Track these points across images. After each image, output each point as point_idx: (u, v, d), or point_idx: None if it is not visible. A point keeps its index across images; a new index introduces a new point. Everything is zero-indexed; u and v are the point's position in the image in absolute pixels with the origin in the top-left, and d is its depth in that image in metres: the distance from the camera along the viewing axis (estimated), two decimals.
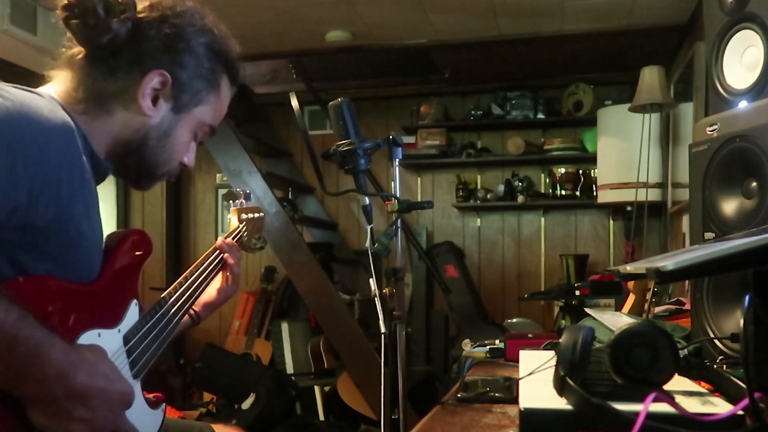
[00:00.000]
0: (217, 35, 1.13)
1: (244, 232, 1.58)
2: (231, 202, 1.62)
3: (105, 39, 1.02)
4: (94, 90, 1.05)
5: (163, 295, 1.22)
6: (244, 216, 1.61)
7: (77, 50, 1.06)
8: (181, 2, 1.11)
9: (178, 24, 1.08)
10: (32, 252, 0.92)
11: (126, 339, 1.07)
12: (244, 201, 1.64)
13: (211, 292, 1.45)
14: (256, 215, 1.66)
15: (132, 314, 1.10)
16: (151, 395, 1.15)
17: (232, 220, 1.60)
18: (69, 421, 0.90)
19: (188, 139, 1.15)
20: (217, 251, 1.42)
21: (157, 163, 1.13)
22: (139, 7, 1.06)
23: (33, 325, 0.87)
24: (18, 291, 0.89)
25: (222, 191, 5.48)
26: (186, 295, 1.27)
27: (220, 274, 1.45)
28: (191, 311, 1.41)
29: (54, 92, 1.05)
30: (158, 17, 1.06)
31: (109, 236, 1.11)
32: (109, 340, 1.02)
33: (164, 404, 1.18)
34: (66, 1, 1.02)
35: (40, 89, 1.04)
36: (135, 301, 1.11)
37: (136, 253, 1.12)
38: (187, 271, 1.34)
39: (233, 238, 1.52)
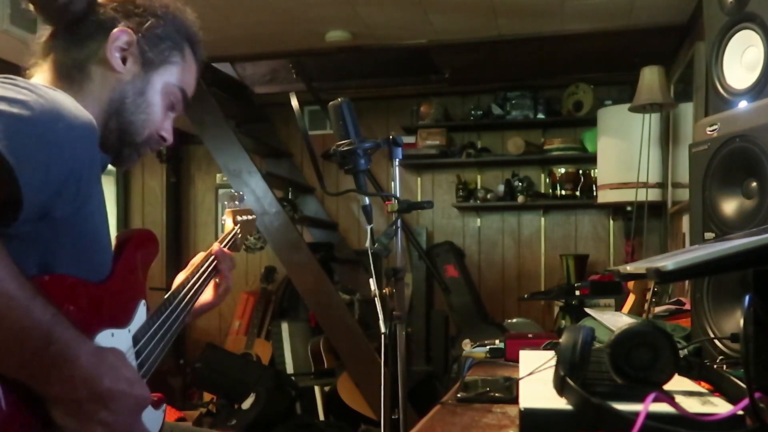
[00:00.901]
0: (173, 5, 1.19)
1: (239, 234, 1.60)
2: (226, 203, 1.65)
3: (61, 2, 1.06)
4: (70, 61, 1.10)
5: (167, 296, 1.23)
6: (239, 218, 1.63)
7: (47, 32, 1.11)
8: None
9: None
10: (50, 248, 0.93)
11: (135, 339, 1.07)
12: (238, 203, 1.67)
13: (205, 299, 1.44)
14: (249, 217, 1.69)
15: (141, 314, 1.11)
16: (152, 395, 1.15)
17: (227, 222, 1.62)
18: (91, 422, 0.90)
19: (161, 102, 1.17)
20: (214, 257, 1.43)
21: (137, 124, 1.14)
22: None
23: (65, 326, 0.88)
24: (42, 289, 0.89)
25: (222, 191, 5.48)
26: (189, 296, 1.27)
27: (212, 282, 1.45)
28: None
29: (43, 81, 1.08)
30: None
31: (117, 236, 1.13)
32: (120, 340, 1.03)
33: (164, 405, 1.18)
34: None
35: None
36: (143, 301, 1.12)
37: (145, 252, 1.14)
38: (189, 272, 1.34)
39: (230, 239, 1.54)
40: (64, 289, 0.94)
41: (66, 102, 0.95)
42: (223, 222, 1.65)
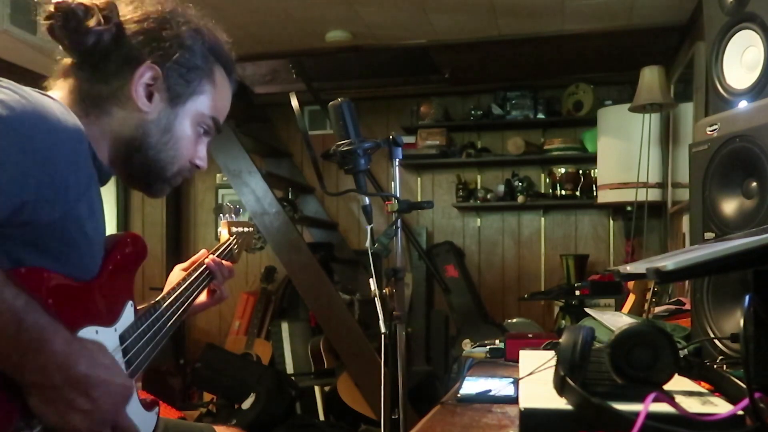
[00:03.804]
0: (202, 27, 1.15)
1: (234, 245, 1.61)
2: (221, 215, 1.66)
3: (89, 43, 1.04)
4: (90, 94, 1.07)
5: (157, 299, 1.24)
6: (234, 229, 1.65)
7: (68, 59, 1.08)
8: (162, 1, 1.12)
9: (161, 19, 1.10)
10: (33, 248, 0.93)
11: (122, 338, 1.08)
12: (233, 215, 1.68)
13: (197, 300, 1.45)
14: (247, 229, 1.71)
15: (128, 315, 1.11)
16: (146, 397, 1.16)
17: (223, 233, 1.63)
18: (68, 410, 0.90)
19: (191, 134, 1.14)
20: (205, 267, 1.43)
21: (164, 161, 1.12)
22: (122, 10, 1.08)
23: (39, 312, 0.87)
24: (20, 281, 0.89)
25: (222, 191, 5.48)
26: (180, 301, 1.29)
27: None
28: None
29: (56, 98, 1.06)
30: (141, 16, 1.09)
31: (105, 239, 1.12)
32: (105, 337, 1.03)
33: (158, 407, 1.19)
34: (48, 11, 1.03)
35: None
36: (131, 302, 1.12)
37: (132, 255, 1.13)
38: (180, 278, 1.36)
39: (224, 250, 1.55)
40: (43, 283, 0.93)
41: (52, 106, 0.93)
42: (219, 233, 1.67)
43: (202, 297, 1.47)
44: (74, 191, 0.94)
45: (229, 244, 1.59)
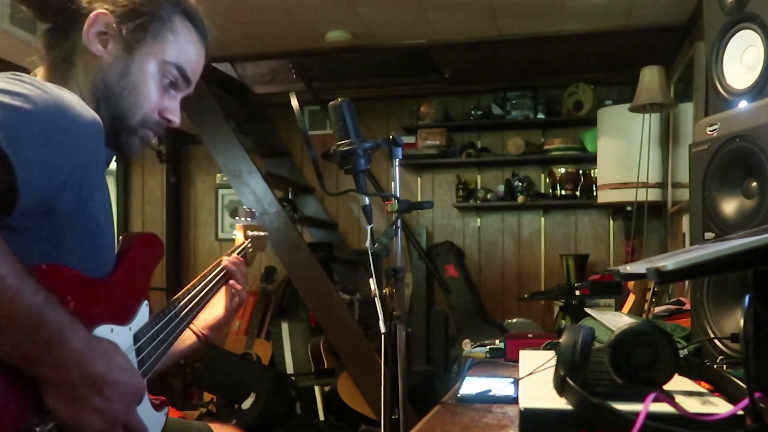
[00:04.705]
0: None
1: (249, 248, 1.61)
2: (237, 218, 1.66)
3: None
4: (59, 55, 1.10)
5: (172, 300, 1.24)
6: (249, 233, 1.65)
7: (42, 29, 1.12)
8: None
9: None
10: (50, 243, 0.94)
11: (136, 338, 1.08)
12: (250, 219, 1.68)
13: (218, 312, 1.47)
14: (261, 234, 1.71)
15: (143, 314, 1.11)
16: (155, 398, 1.16)
17: (238, 236, 1.63)
18: (84, 408, 0.91)
19: (152, 81, 1.12)
20: (222, 267, 1.44)
21: (126, 107, 1.10)
22: None
23: (58, 309, 0.88)
24: (40, 277, 0.89)
25: (222, 191, 5.48)
26: (193, 303, 1.29)
27: (223, 291, 1.47)
28: (200, 332, 1.44)
29: (40, 78, 1.08)
30: None
31: (124, 237, 1.14)
32: (120, 336, 1.03)
33: (167, 408, 1.19)
34: None
35: None
36: (146, 302, 1.13)
37: (150, 255, 1.15)
38: (195, 279, 1.36)
39: (240, 253, 1.56)
40: (63, 279, 0.95)
41: (72, 100, 0.96)
42: (233, 236, 1.67)
43: (220, 310, 1.47)
44: (90, 182, 0.96)
45: (245, 247, 1.59)
